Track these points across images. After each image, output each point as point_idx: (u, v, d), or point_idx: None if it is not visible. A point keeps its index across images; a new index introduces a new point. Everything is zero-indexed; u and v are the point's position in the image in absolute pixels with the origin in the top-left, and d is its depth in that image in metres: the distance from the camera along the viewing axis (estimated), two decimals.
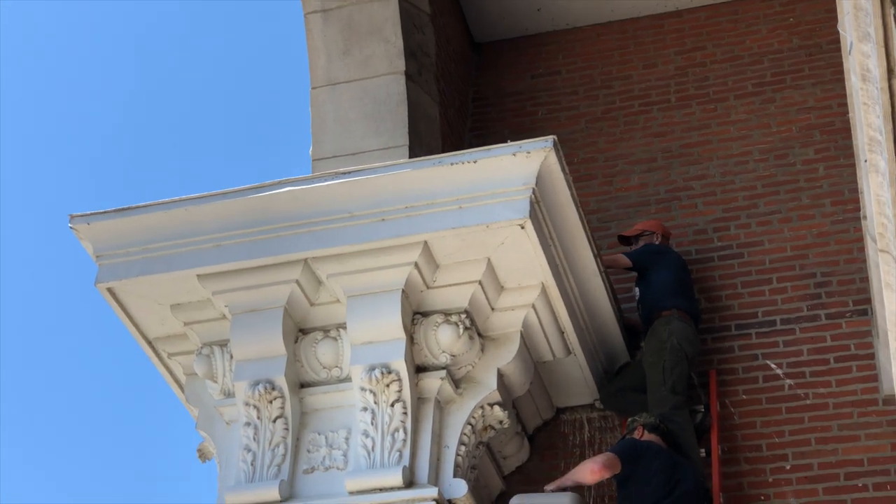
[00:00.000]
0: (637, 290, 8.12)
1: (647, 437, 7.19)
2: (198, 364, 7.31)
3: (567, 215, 7.18)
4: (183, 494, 16.31)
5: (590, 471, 6.89)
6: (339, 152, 8.64)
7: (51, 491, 16.43)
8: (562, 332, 7.42)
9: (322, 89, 8.84)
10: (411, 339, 7.02)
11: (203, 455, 7.65)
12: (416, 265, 6.96)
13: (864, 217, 7.19)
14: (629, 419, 7.42)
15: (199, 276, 7.16)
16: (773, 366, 7.92)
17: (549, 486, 7.07)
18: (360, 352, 6.98)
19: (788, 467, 7.53)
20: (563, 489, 7.01)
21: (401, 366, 6.91)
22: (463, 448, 7.01)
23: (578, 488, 7.20)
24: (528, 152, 6.86)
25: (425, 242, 6.95)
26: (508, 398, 7.36)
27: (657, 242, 8.31)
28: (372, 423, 6.89)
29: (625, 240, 8.40)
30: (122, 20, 17.17)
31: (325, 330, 7.20)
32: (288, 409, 7.04)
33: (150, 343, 7.54)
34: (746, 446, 7.66)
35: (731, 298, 8.28)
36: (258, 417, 7.04)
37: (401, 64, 8.75)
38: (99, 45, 17.58)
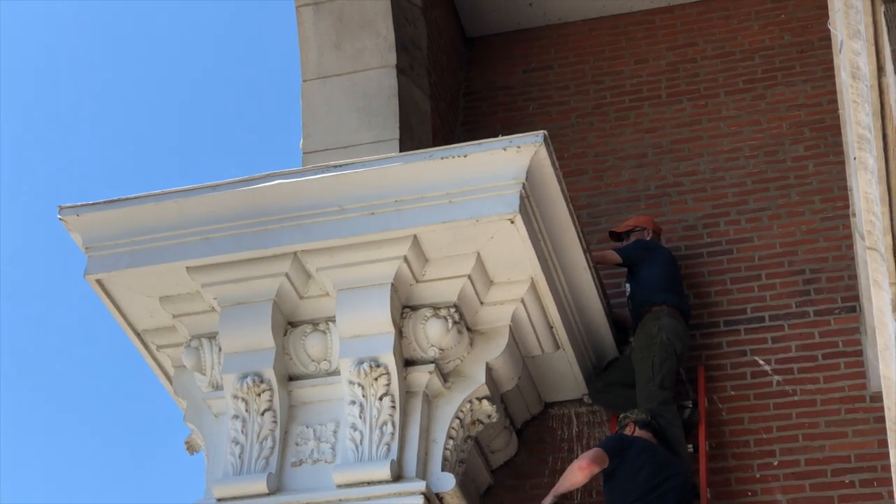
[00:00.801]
0: (627, 285, 8.13)
1: (639, 433, 7.20)
2: (186, 356, 7.30)
3: (557, 210, 7.18)
4: (170, 487, 16.30)
5: (578, 468, 6.89)
6: (330, 146, 8.63)
7: (37, 483, 16.41)
8: (551, 327, 7.42)
9: (313, 82, 8.84)
10: (400, 333, 7.02)
11: (191, 447, 7.65)
12: (406, 259, 6.96)
13: (853, 214, 7.21)
14: (621, 416, 7.43)
15: (188, 268, 7.15)
16: (761, 362, 7.94)
17: (545, 501, 7.04)
18: (349, 345, 6.98)
19: (776, 463, 7.55)
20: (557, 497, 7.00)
21: (389, 359, 6.91)
22: (451, 442, 7.01)
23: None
24: (519, 147, 6.86)
25: (415, 236, 6.95)
26: (497, 392, 7.36)
27: (648, 238, 8.32)
28: (360, 417, 6.89)
29: (615, 236, 8.40)
30: (113, 13, 17.15)
31: (314, 323, 7.20)
32: (276, 401, 7.03)
33: (138, 335, 7.53)
34: (734, 442, 7.67)
35: (719, 294, 8.30)
36: (246, 410, 7.04)
37: (392, 57, 8.74)
38: (89, 38, 17.55)
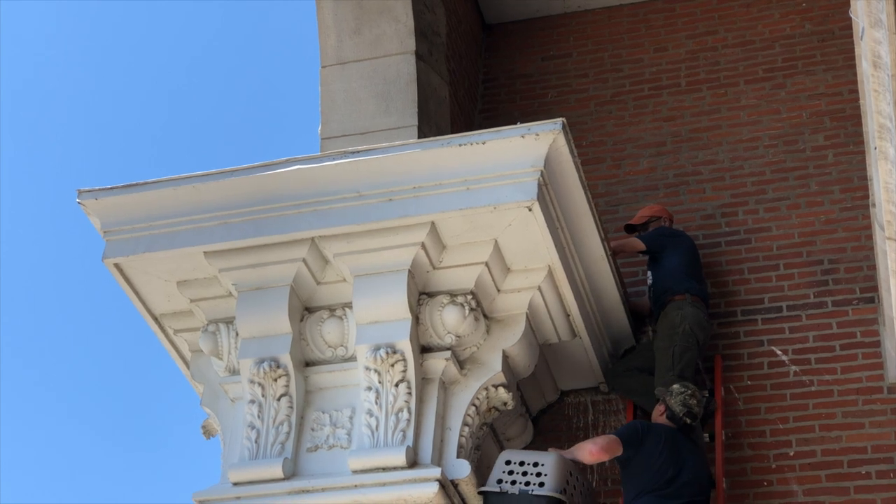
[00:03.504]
0: (649, 273, 8.10)
1: (664, 420, 7.13)
2: (203, 341, 7.32)
3: (575, 198, 7.16)
4: (187, 471, 16.36)
5: (588, 452, 6.89)
6: (348, 131, 8.63)
7: (56, 472, 16.47)
8: (567, 315, 7.41)
9: (332, 68, 8.83)
10: (417, 320, 7.02)
11: (207, 432, 7.67)
12: (423, 245, 6.96)
13: (873, 205, 7.18)
14: (658, 388, 7.36)
15: (205, 253, 7.16)
16: (778, 352, 7.92)
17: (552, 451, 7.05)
18: (366, 331, 6.98)
19: (792, 454, 7.53)
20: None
21: (406, 346, 6.91)
22: (466, 429, 7.01)
23: (585, 468, 7.22)
24: (537, 134, 6.85)
25: (432, 223, 6.94)
26: (513, 380, 7.36)
27: (667, 226, 8.31)
28: (376, 403, 6.90)
29: (631, 228, 8.37)
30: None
31: (331, 309, 7.20)
32: (292, 387, 7.05)
33: (156, 319, 7.55)
34: (750, 432, 7.66)
35: (737, 284, 8.28)
36: (263, 395, 7.05)
37: (411, 44, 8.73)
38: (107, 22, 17.58)
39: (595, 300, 7.62)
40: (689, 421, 7.14)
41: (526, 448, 7.81)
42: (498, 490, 6.82)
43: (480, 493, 6.85)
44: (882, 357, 7.71)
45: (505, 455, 7.00)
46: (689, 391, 7.22)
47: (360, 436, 6.89)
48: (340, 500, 6.76)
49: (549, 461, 6.86)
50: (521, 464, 6.89)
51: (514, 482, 6.84)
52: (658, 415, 7.18)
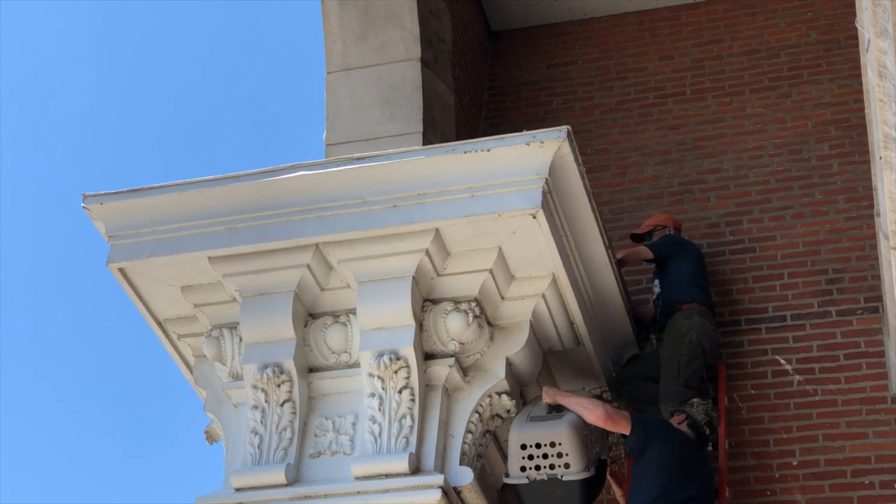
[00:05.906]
0: (656, 281, 8.10)
1: (684, 428, 7.11)
2: (207, 346, 7.32)
3: (579, 206, 7.17)
4: (189, 476, 16.36)
5: (595, 417, 6.90)
6: (353, 138, 8.64)
7: (57, 476, 16.47)
8: (571, 323, 7.41)
9: (337, 74, 8.84)
10: (420, 326, 7.02)
11: (210, 437, 7.67)
12: (427, 252, 6.96)
13: (878, 214, 7.18)
14: (663, 404, 7.35)
15: (210, 258, 7.16)
16: (782, 361, 7.92)
17: (548, 395, 7.02)
18: (369, 337, 6.98)
19: (795, 463, 7.53)
20: (561, 408, 6.99)
21: (409, 352, 6.91)
22: (470, 436, 7.01)
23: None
24: (542, 142, 6.85)
25: (437, 230, 6.94)
26: (516, 387, 7.35)
27: (673, 234, 8.32)
28: (379, 409, 6.90)
29: (637, 238, 8.37)
30: (138, 4, 17.19)
31: (335, 315, 7.21)
32: (296, 393, 7.05)
33: (160, 324, 7.55)
34: (754, 441, 7.65)
35: (741, 293, 8.28)
36: (266, 401, 7.05)
37: (417, 50, 8.74)
38: (112, 25, 17.60)
39: (599, 308, 7.62)
40: (708, 431, 7.12)
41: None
42: (527, 481, 6.82)
43: (508, 485, 6.84)
44: (886, 367, 7.71)
45: (517, 438, 6.95)
46: (710, 404, 7.23)
47: (363, 442, 6.88)
48: None
49: (564, 437, 6.83)
50: (538, 446, 6.88)
51: (538, 467, 6.85)
52: (676, 424, 7.15)
